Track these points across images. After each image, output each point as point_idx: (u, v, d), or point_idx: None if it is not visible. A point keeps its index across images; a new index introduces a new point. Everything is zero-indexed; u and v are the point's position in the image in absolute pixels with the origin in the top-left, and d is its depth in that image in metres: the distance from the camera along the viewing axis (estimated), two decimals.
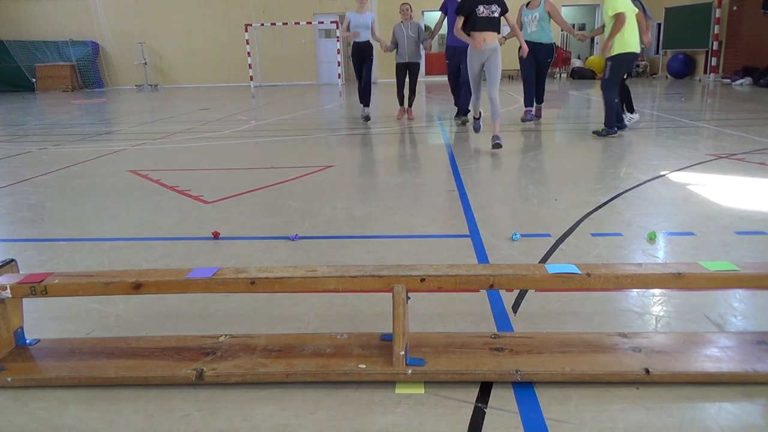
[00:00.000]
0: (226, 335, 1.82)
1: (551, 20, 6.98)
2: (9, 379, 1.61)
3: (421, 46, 7.77)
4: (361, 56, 7.81)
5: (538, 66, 7.05)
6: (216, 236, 2.98)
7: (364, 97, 7.91)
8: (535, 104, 7.33)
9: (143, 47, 18.48)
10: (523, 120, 7.09)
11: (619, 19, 5.50)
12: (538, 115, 7.38)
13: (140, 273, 1.71)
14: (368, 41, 7.72)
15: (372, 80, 8.20)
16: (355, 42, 7.72)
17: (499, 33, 5.19)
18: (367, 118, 7.88)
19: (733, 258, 2.51)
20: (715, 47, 14.44)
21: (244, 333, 1.85)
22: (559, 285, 1.64)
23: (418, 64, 7.80)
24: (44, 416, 1.51)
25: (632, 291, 2.19)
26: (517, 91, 12.69)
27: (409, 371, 1.59)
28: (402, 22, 7.62)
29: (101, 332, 1.98)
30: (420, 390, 1.58)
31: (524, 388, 1.57)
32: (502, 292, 2.19)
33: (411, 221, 3.22)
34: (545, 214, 3.28)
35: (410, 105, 8.15)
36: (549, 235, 2.88)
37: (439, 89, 14.03)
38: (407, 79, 7.83)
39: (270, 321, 2.04)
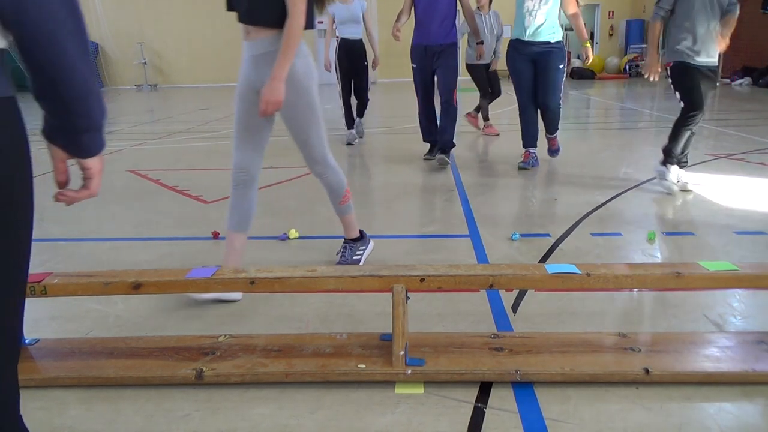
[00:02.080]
0: (225, 335, 1.82)
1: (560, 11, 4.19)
2: None
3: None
4: (350, 59, 5.57)
5: (541, 79, 4.23)
6: (216, 236, 2.98)
7: (360, 113, 6.10)
8: (546, 135, 4.59)
9: (143, 47, 18.46)
10: (522, 167, 4.45)
11: None
12: (553, 148, 4.64)
13: (140, 273, 1.71)
14: (361, 39, 5.64)
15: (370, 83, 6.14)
16: (342, 38, 5.57)
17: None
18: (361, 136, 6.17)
19: (733, 258, 2.51)
20: None
21: (243, 333, 1.85)
22: (559, 285, 1.64)
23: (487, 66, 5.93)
24: (44, 416, 1.51)
25: (632, 291, 2.19)
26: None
27: (409, 371, 1.59)
28: (479, 10, 5.76)
29: (101, 332, 1.98)
30: (419, 390, 1.57)
31: (524, 388, 1.57)
32: (502, 292, 2.19)
33: (411, 221, 3.22)
34: (545, 214, 3.28)
35: (485, 117, 6.37)
36: (549, 235, 2.88)
37: None
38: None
39: (269, 321, 2.04)
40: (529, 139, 4.50)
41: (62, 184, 0.89)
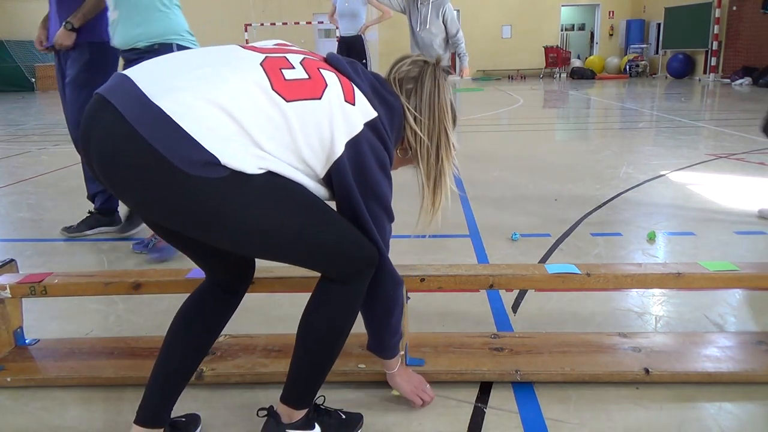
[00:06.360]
0: (225, 335, 1.82)
1: None
2: (9, 379, 1.61)
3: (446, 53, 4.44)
4: (348, 56, 4.71)
5: None
6: None
7: None
8: None
9: None
10: None
11: None
12: None
13: (140, 273, 1.71)
14: (360, 35, 5.25)
15: None
16: (341, 36, 5.40)
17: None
18: None
19: (733, 258, 2.51)
20: (714, 47, 14.46)
21: (243, 333, 1.85)
22: (559, 285, 1.64)
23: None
24: (44, 416, 1.51)
25: (632, 291, 2.19)
26: (516, 91, 12.68)
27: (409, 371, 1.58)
28: None
29: (101, 332, 1.98)
30: None
31: (524, 388, 1.57)
32: (502, 292, 2.19)
33: (411, 221, 3.21)
34: (545, 214, 3.28)
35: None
36: (549, 235, 2.88)
37: None
38: None
39: (270, 321, 2.04)
40: None
41: None
